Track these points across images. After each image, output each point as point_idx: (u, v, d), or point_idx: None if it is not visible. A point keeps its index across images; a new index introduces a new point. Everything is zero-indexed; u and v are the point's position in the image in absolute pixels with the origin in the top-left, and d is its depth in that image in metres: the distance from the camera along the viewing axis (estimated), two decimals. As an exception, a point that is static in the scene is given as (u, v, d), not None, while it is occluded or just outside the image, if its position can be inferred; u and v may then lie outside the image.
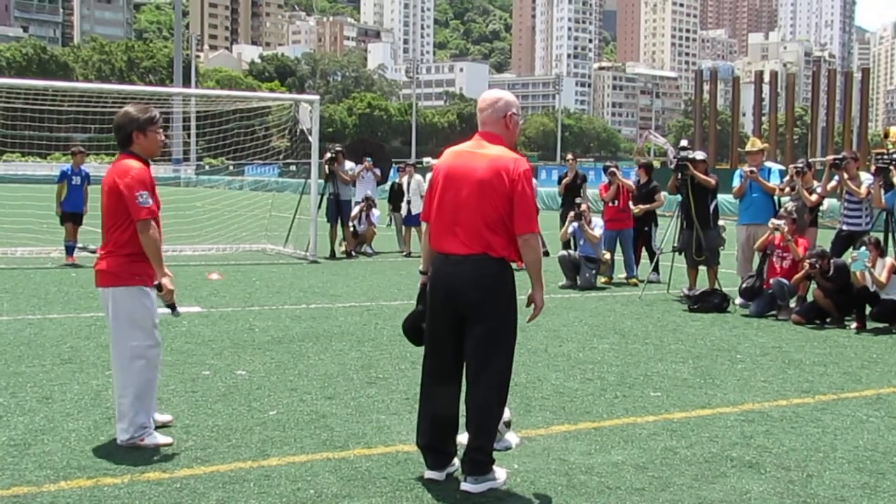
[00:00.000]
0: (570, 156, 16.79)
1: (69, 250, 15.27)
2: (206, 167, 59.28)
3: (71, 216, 15.23)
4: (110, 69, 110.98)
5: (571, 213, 13.94)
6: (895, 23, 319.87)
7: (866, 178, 11.77)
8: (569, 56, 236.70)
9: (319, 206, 17.56)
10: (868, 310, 10.47)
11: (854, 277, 10.39)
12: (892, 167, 11.22)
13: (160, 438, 5.50)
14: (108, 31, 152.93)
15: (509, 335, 4.88)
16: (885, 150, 12.43)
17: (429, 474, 4.96)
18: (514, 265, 4.88)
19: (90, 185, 15.15)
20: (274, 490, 4.77)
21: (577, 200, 14.17)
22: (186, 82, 79.07)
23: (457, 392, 4.94)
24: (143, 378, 5.47)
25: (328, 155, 17.61)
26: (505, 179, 4.74)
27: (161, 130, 5.74)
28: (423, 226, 5.16)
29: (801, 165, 12.26)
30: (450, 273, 4.80)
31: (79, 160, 15.43)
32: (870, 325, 10.36)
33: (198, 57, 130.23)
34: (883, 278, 10.17)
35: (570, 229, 13.91)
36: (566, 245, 14.32)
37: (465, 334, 4.83)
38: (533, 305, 4.96)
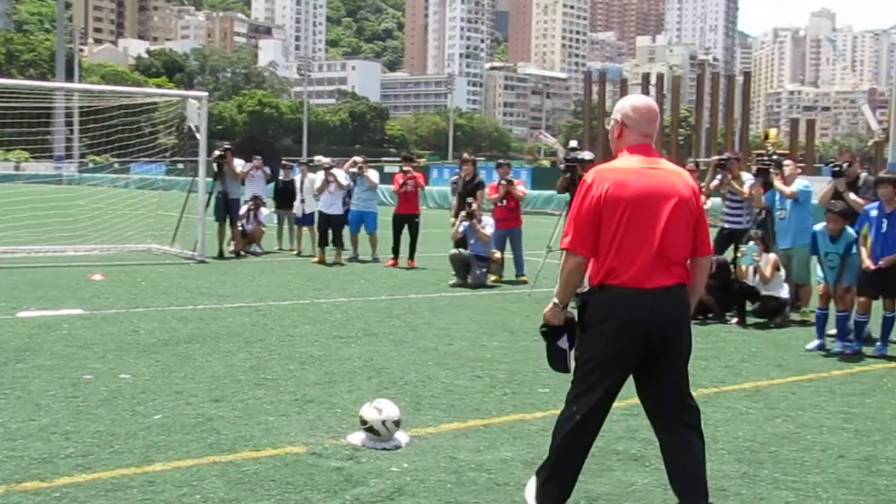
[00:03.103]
0: (466, 154, 16.69)
1: None
2: (90, 164, 57.54)
3: None
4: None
5: (463, 212, 14.04)
6: (776, 28, 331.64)
7: (748, 177, 12.17)
8: (461, 56, 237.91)
9: (207, 205, 17.25)
10: (749, 306, 10.85)
11: (739, 272, 10.78)
12: (771, 168, 11.62)
13: None
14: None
15: None
16: (765, 151, 12.87)
17: None
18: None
19: None
20: (158, 496, 4.67)
21: (469, 200, 14.24)
22: (69, 77, 76.90)
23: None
24: None
25: (217, 153, 17.31)
26: (695, 199, 4.39)
27: None
28: (572, 257, 4.36)
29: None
30: (653, 308, 4.21)
31: None
32: (749, 320, 10.74)
33: (81, 51, 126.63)
34: (767, 273, 10.60)
35: (461, 228, 14.00)
36: (457, 244, 14.39)
37: (650, 374, 4.44)
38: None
